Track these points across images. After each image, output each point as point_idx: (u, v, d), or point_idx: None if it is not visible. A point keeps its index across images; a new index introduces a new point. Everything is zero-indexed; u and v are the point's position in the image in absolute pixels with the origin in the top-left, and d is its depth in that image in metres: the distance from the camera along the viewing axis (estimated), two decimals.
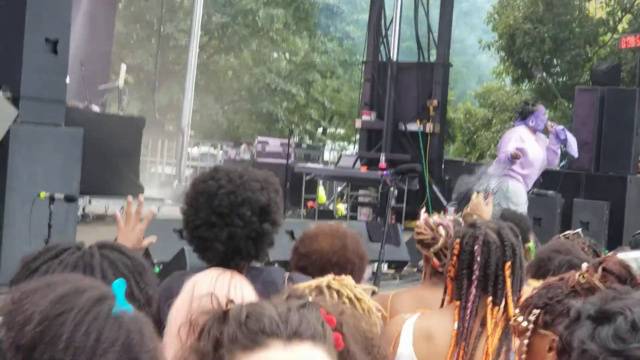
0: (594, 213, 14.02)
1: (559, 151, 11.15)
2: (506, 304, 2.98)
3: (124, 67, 15.80)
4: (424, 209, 4.97)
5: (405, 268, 11.50)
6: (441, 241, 3.85)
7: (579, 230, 4.43)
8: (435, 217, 4.09)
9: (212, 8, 28.83)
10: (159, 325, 2.50)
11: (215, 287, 2.47)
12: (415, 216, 17.03)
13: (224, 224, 3.12)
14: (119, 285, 1.67)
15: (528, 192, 11.23)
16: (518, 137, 10.86)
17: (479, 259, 3.02)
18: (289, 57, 35.22)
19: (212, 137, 28.67)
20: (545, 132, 11.17)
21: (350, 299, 2.36)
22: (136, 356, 1.58)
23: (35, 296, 1.62)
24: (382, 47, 18.95)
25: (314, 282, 2.39)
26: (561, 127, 11.18)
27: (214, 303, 1.58)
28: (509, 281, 2.99)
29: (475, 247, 3.03)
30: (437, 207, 16.98)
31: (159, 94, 27.44)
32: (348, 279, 2.43)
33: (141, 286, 2.22)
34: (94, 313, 1.59)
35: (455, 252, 3.08)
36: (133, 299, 2.23)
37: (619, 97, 14.81)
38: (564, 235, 4.38)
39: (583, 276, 2.38)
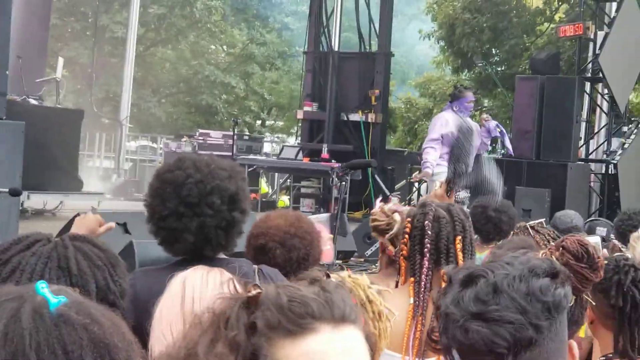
0: (536, 200, 14.13)
1: (488, 142, 11.21)
2: None
3: (61, 59, 15.56)
4: (380, 198, 4.94)
5: (352, 258, 11.48)
6: (396, 227, 3.86)
7: (542, 220, 4.42)
8: (391, 204, 4.10)
9: None
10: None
11: (208, 285, 2.39)
12: (358, 207, 17.14)
13: (194, 213, 3.04)
14: (42, 285, 1.54)
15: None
16: (444, 122, 10.99)
17: (429, 232, 3.03)
18: (227, 49, 35.02)
19: (150, 130, 28.41)
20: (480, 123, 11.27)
21: (361, 301, 2.29)
22: (109, 347, 1.48)
23: None
24: (323, 38, 18.90)
25: (332, 276, 2.31)
26: (495, 123, 11.26)
27: (232, 288, 1.48)
28: (460, 255, 3.01)
29: (426, 222, 3.05)
30: (379, 196, 17.01)
31: (95, 87, 27.10)
32: (363, 279, 2.37)
33: (115, 278, 2.15)
34: (42, 328, 1.45)
35: (407, 230, 3.10)
36: (109, 291, 2.15)
37: (558, 86, 14.94)
38: (528, 225, 4.36)
39: (544, 255, 2.40)
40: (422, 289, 3.01)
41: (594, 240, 3.85)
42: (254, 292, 1.46)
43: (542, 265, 1.82)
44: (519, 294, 1.75)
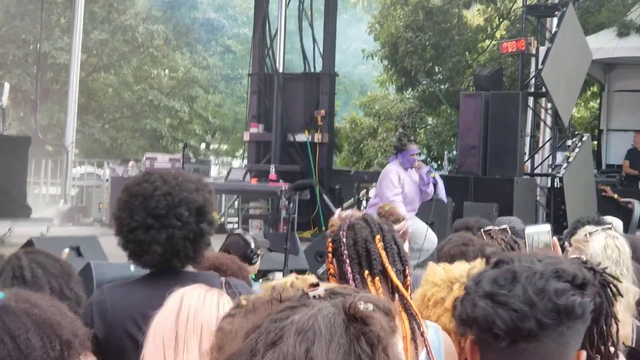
0: (483, 215, 14.12)
1: (429, 189, 11.22)
2: (387, 273, 2.94)
3: (6, 86, 15.39)
4: (339, 209, 4.98)
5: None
6: None
7: (506, 226, 4.47)
8: (349, 211, 4.14)
9: (90, 25, 28.36)
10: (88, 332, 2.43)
11: (205, 305, 2.41)
12: (307, 226, 17.18)
13: (162, 225, 3.06)
14: None
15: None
16: (396, 179, 11.03)
17: (344, 240, 3.00)
18: (170, 73, 34.93)
19: (95, 155, 28.18)
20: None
21: None
22: (54, 325, 1.52)
23: None
24: (267, 60, 18.97)
25: (278, 282, 2.35)
26: (427, 169, 11.29)
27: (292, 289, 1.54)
28: (382, 253, 2.96)
29: (341, 232, 3.03)
30: (328, 216, 17.06)
31: (39, 114, 26.85)
32: (312, 278, 2.40)
33: (70, 286, 2.20)
34: None
35: (329, 249, 3.06)
36: (64, 298, 2.18)
37: (502, 101, 15.13)
38: (488, 230, 4.41)
39: None
40: None
41: (544, 228, 3.92)
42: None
43: (570, 271, 1.90)
44: (533, 289, 1.85)
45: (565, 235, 4.98)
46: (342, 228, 3.05)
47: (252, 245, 5.46)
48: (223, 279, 3.18)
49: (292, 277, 2.44)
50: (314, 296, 1.52)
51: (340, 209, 4.56)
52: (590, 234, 3.72)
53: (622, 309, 3.16)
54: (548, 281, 1.86)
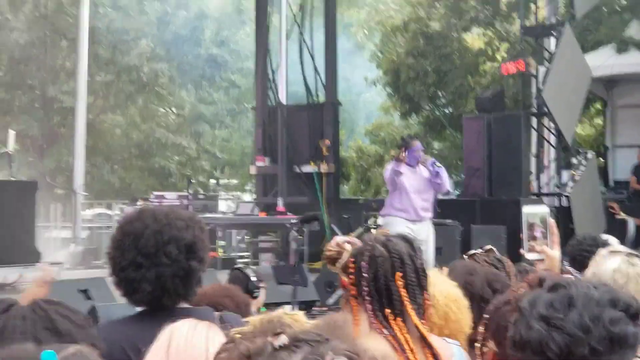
0: (492, 237, 14.21)
1: (439, 180, 11.47)
2: (406, 313, 2.94)
3: (12, 132, 15.52)
4: (337, 236, 5.02)
5: (314, 307, 11.54)
6: (345, 255, 3.88)
7: (490, 247, 4.49)
8: (344, 237, 4.14)
9: (95, 67, 28.57)
10: None
11: (194, 337, 2.45)
12: (317, 257, 17.18)
13: (151, 263, 3.11)
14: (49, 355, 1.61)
15: (417, 221, 11.52)
16: (392, 170, 11.37)
17: (365, 274, 3.00)
18: (176, 110, 35.09)
19: (105, 197, 28.29)
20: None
21: None
22: None
23: None
24: (270, 92, 19.06)
25: (266, 317, 2.38)
26: (431, 160, 11.57)
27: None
28: (403, 292, 2.96)
29: (362, 263, 3.02)
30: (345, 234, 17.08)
31: (47, 158, 27.04)
32: (300, 315, 2.43)
33: (95, 336, 2.21)
34: None
35: (351, 270, 3.08)
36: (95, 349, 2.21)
37: (505, 123, 15.19)
38: (471, 254, 4.43)
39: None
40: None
41: (543, 209, 3.88)
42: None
43: (625, 301, 1.92)
44: (589, 315, 1.87)
45: (567, 254, 5.00)
46: (362, 258, 3.04)
47: (253, 279, 5.51)
48: (217, 313, 3.23)
49: (281, 312, 2.47)
50: (280, 346, 1.53)
51: (338, 235, 4.58)
52: (611, 252, 3.69)
53: None
54: (604, 309, 1.88)
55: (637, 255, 3.76)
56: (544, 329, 1.87)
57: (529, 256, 3.59)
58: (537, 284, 2.62)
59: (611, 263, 3.63)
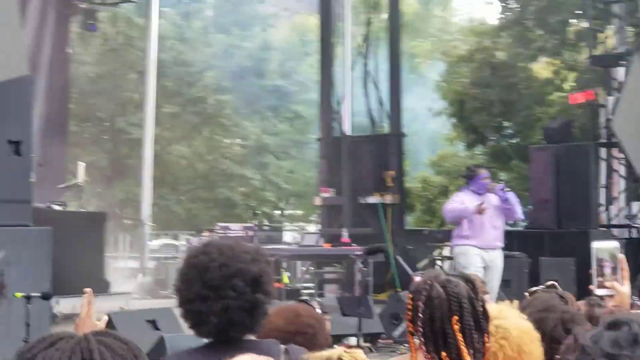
0: (561, 270, 14.05)
1: (509, 205, 11.37)
2: (462, 358, 2.87)
3: (81, 165, 15.79)
4: (417, 274, 5.01)
5: (379, 340, 11.47)
6: None
7: (554, 282, 4.43)
8: (425, 275, 4.08)
9: (162, 99, 28.96)
10: None
11: None
12: (382, 288, 17.12)
13: (217, 296, 3.12)
14: None
15: (489, 249, 11.39)
16: (459, 201, 11.28)
17: (421, 315, 2.94)
18: (241, 141, 35.39)
19: (171, 227, 28.58)
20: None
21: None
22: None
23: None
24: (335, 123, 19.11)
25: (324, 354, 2.36)
26: (500, 185, 11.49)
27: None
28: (459, 335, 2.89)
29: (419, 302, 2.96)
30: (403, 277, 16.99)
31: (115, 189, 27.39)
32: (360, 353, 2.41)
33: None
34: None
35: (409, 307, 3.01)
36: None
37: (573, 153, 15.00)
38: (533, 292, 4.37)
39: None
40: None
41: (613, 244, 3.81)
42: None
43: None
44: None
45: (637, 287, 4.91)
46: (419, 297, 2.98)
47: (318, 311, 5.48)
48: (283, 346, 3.22)
49: (341, 350, 2.45)
50: None
51: (416, 273, 4.57)
52: None
53: None
54: None
55: None
56: None
57: (599, 292, 3.52)
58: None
59: None
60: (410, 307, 3.00)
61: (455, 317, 2.91)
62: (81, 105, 29.30)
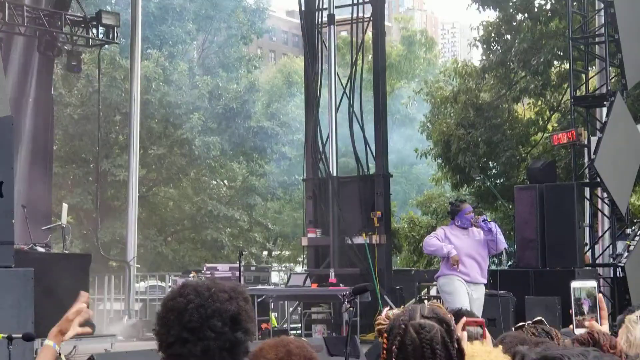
0: (546, 309, 14.08)
1: (492, 237, 11.43)
2: None
3: (65, 206, 15.76)
4: (387, 308, 5.02)
5: None
6: None
7: (541, 318, 4.46)
8: (396, 310, 4.11)
9: (147, 141, 29.04)
10: None
11: None
12: (370, 328, 17.09)
13: (197, 338, 3.13)
14: None
15: (472, 283, 11.43)
16: (441, 235, 11.32)
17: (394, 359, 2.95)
18: (228, 182, 35.43)
19: (157, 269, 28.50)
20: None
21: None
22: None
23: None
24: (320, 164, 19.15)
25: None
26: (482, 217, 11.58)
27: None
28: None
29: (393, 347, 2.96)
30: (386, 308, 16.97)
31: (100, 231, 27.30)
32: None
33: None
34: None
35: (384, 346, 3.03)
36: None
37: (557, 193, 15.08)
38: (520, 326, 4.41)
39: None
40: None
41: (591, 284, 3.84)
42: None
43: None
44: None
45: (618, 322, 4.95)
46: (393, 342, 2.98)
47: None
48: None
49: None
50: None
51: (387, 308, 4.57)
52: None
53: None
54: None
55: None
56: None
57: (577, 331, 3.55)
58: (586, 340, 2.60)
59: None
60: (385, 347, 3.00)
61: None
62: (65, 147, 29.37)
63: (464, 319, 3.52)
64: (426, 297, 18.06)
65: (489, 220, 11.58)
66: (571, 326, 3.75)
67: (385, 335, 3.04)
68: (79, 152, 29.62)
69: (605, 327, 3.60)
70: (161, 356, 3.26)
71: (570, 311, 3.65)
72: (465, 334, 3.38)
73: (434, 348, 2.93)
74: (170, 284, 22.50)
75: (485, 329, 3.43)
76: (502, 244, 11.71)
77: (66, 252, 14.95)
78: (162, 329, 3.21)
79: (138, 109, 21.19)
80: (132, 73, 21.00)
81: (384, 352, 3.02)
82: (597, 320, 3.57)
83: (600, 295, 3.63)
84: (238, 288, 3.27)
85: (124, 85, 27.23)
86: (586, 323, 3.53)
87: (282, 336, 4.06)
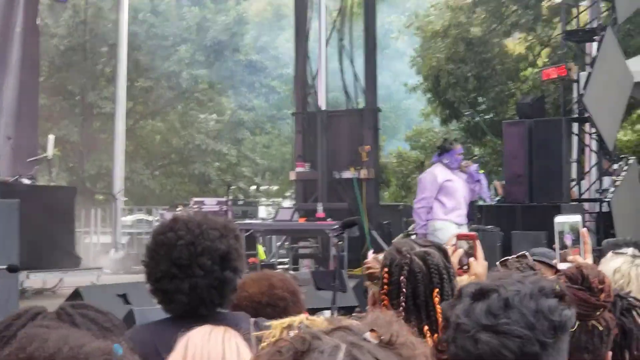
0: (533, 244, 14.05)
1: (477, 189, 11.45)
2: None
3: (51, 138, 15.63)
4: (372, 251, 5.01)
5: (353, 314, 11.48)
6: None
7: (526, 252, 4.45)
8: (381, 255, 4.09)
9: (134, 73, 28.76)
10: None
11: (209, 342, 2.43)
12: (357, 263, 17.15)
13: (185, 275, 3.11)
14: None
15: (461, 225, 11.48)
16: (432, 178, 11.28)
17: (404, 290, 2.96)
18: (216, 116, 35.25)
19: (145, 202, 28.45)
20: (462, 170, 11.52)
21: None
22: None
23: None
24: (310, 99, 19.04)
25: (286, 321, 2.34)
26: (475, 166, 11.53)
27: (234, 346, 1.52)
28: (438, 308, 2.91)
29: (401, 278, 2.97)
30: (378, 251, 17.01)
31: (87, 164, 27.21)
32: (320, 320, 2.38)
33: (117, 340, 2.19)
34: None
35: (385, 281, 3.02)
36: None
37: (546, 128, 15.02)
38: (504, 261, 4.40)
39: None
40: None
41: (575, 218, 3.80)
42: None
43: (551, 286, 1.89)
44: (529, 311, 1.83)
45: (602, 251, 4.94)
46: (401, 272, 2.98)
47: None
48: (252, 319, 3.21)
49: (303, 317, 2.43)
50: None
51: (372, 251, 4.56)
52: (615, 253, 3.68)
53: None
54: (538, 300, 1.84)
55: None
56: (493, 338, 1.81)
57: (561, 266, 3.52)
58: (575, 275, 2.56)
59: (614, 263, 3.61)
60: (386, 282, 2.98)
61: (436, 290, 2.96)
62: (52, 78, 29.07)
63: (455, 234, 3.55)
64: (415, 233, 18.08)
65: (480, 171, 11.61)
66: (554, 261, 3.73)
67: (386, 270, 3.03)
68: (65, 84, 29.34)
69: (589, 261, 3.57)
70: (149, 288, 3.23)
71: (554, 245, 3.62)
72: (460, 250, 3.39)
73: (440, 273, 2.99)
74: (157, 218, 22.48)
75: (478, 244, 3.42)
76: (486, 195, 11.77)
77: (52, 184, 14.88)
78: (151, 261, 3.19)
79: (125, 41, 20.97)
80: (119, 3, 20.75)
81: (385, 287, 3.00)
82: (580, 254, 3.54)
83: (585, 229, 3.60)
84: (229, 225, 3.24)
85: (111, 16, 26.90)
86: (569, 257, 3.50)
87: (264, 270, 4.05)
